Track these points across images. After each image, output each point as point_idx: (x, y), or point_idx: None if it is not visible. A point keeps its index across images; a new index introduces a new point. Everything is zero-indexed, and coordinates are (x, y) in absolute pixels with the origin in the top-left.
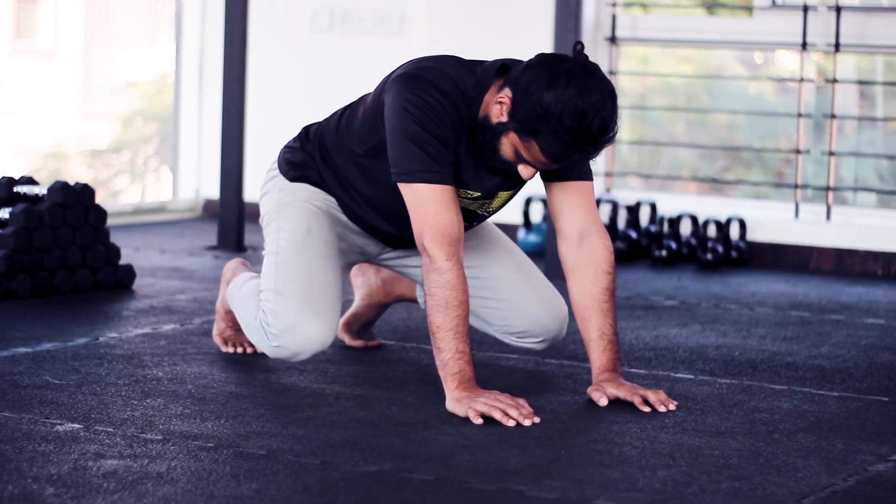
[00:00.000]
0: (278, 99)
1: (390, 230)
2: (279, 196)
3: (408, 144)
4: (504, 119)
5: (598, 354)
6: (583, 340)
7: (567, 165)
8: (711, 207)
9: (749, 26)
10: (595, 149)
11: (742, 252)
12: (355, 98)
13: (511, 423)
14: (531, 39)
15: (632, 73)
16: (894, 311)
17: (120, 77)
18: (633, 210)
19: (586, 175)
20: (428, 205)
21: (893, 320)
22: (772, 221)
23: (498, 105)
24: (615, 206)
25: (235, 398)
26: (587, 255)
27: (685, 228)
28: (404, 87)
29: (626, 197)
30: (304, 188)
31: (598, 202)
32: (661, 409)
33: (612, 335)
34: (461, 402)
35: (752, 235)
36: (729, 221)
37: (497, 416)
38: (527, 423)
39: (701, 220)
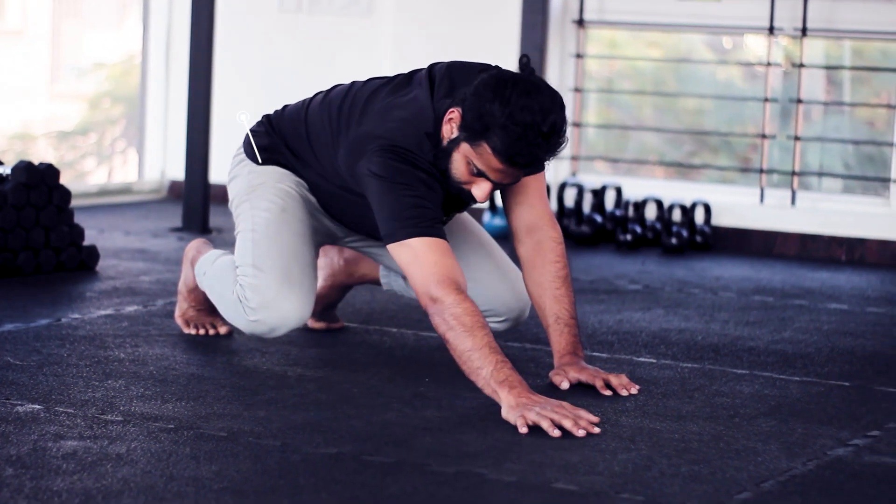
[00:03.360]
0: (245, 80)
1: (350, 221)
2: (249, 178)
3: (388, 210)
4: (455, 134)
5: (556, 338)
6: (543, 328)
7: (519, 170)
8: (677, 192)
9: (717, 10)
10: (546, 147)
11: (707, 237)
12: (317, 90)
13: (557, 434)
14: (499, 21)
15: (599, 57)
16: (857, 297)
17: (88, 58)
18: (599, 194)
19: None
20: (427, 255)
21: (856, 306)
22: (737, 206)
23: (448, 125)
24: (580, 190)
25: (197, 380)
26: (535, 248)
27: (650, 213)
28: (374, 156)
29: (591, 181)
30: (273, 170)
31: (564, 185)
32: (623, 392)
33: (569, 318)
34: (515, 409)
35: (716, 220)
36: (694, 206)
37: (545, 425)
38: (581, 433)
39: (666, 205)
